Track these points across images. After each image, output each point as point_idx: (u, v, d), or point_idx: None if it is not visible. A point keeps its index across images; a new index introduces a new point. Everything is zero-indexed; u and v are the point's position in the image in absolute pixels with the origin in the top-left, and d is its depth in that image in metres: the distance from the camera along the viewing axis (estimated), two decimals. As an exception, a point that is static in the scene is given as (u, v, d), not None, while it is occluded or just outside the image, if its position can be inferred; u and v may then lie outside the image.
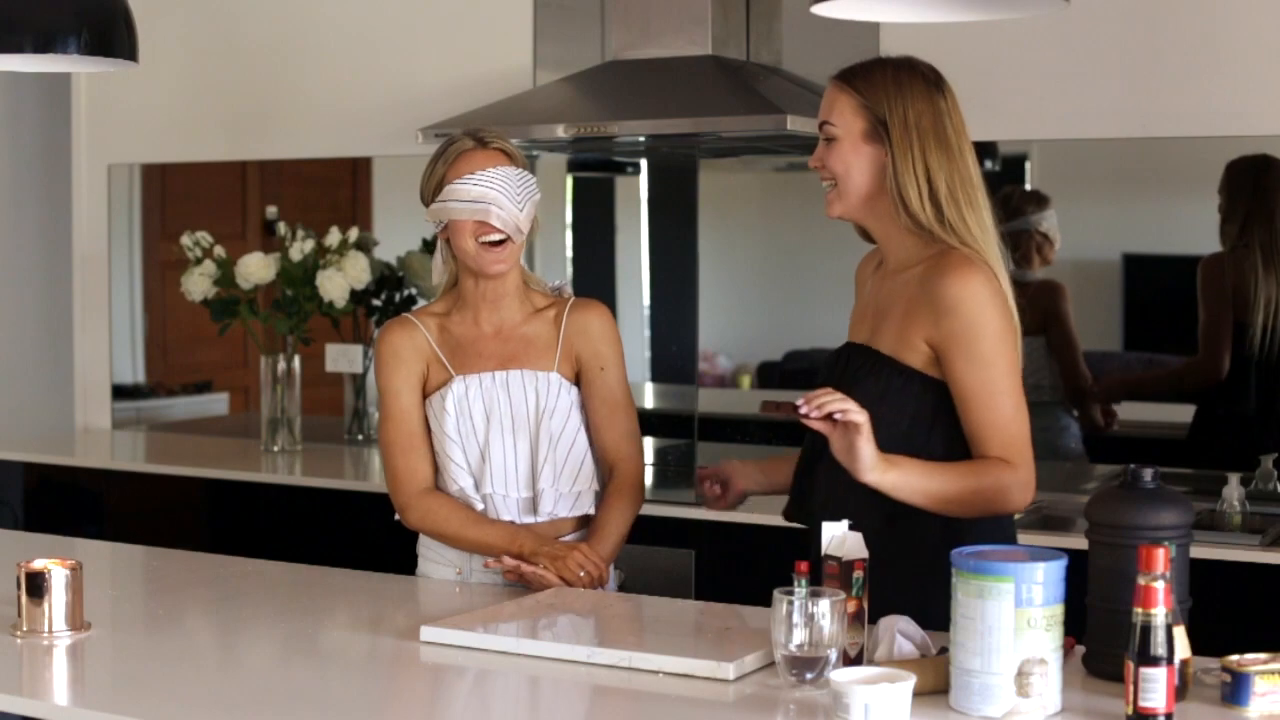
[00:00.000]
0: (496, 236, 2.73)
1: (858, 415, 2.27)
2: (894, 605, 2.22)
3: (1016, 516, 2.50)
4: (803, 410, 2.28)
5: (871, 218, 2.48)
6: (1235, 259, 3.76)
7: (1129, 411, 4.00)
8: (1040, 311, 4.05)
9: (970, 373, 2.36)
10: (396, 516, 2.87)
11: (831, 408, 2.27)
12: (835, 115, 2.45)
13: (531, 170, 2.84)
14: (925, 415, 2.40)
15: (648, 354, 4.57)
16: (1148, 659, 1.87)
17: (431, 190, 2.78)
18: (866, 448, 2.29)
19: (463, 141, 2.77)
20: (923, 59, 2.48)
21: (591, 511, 2.83)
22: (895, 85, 2.42)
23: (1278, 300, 3.74)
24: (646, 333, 4.57)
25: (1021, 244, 4.04)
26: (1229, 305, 3.79)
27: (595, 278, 4.71)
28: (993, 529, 2.41)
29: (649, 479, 4.33)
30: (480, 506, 2.78)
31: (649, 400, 4.65)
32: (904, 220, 2.42)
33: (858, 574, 2.17)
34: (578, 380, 2.83)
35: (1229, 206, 3.77)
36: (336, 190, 5.07)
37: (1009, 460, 2.35)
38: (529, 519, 2.78)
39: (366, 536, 3.94)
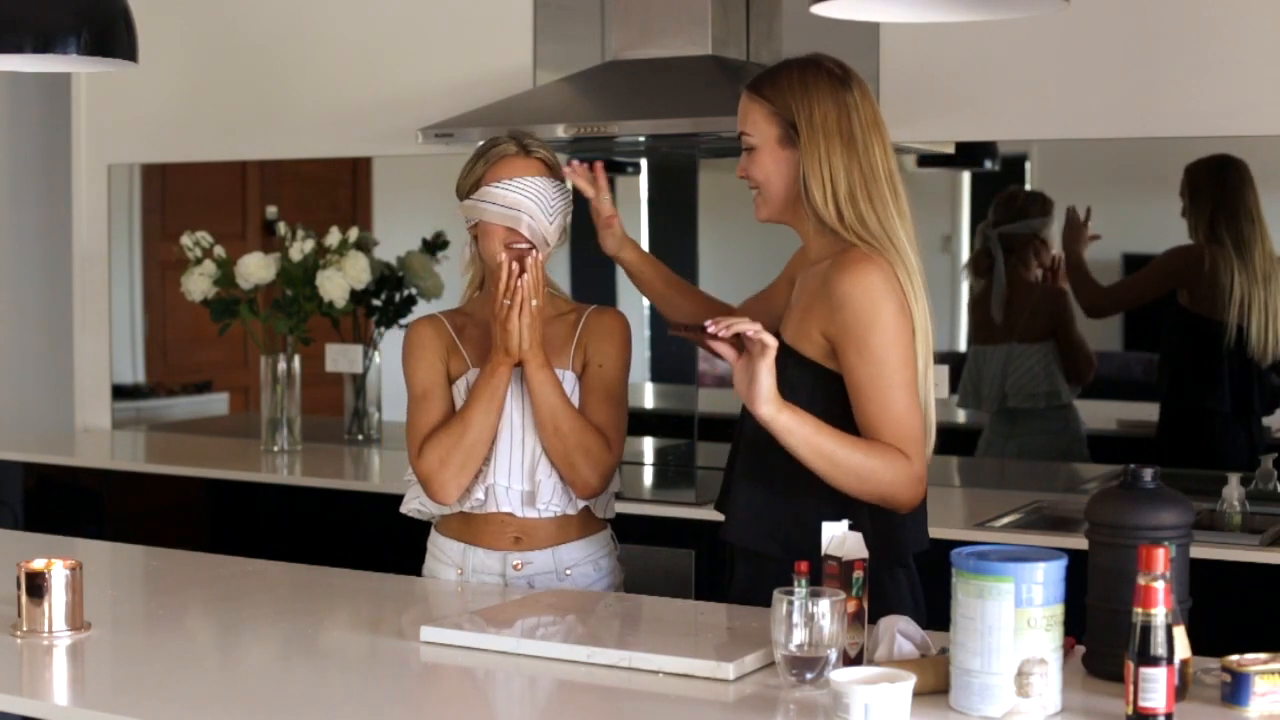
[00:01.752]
0: (523, 245, 2.74)
1: (768, 337, 2.31)
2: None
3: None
4: (710, 329, 2.32)
5: (794, 219, 2.53)
6: (1209, 254, 3.77)
7: (1129, 412, 4.01)
8: (1047, 317, 4.05)
9: (861, 366, 2.39)
10: (404, 506, 2.87)
11: (740, 328, 2.31)
12: (750, 125, 2.53)
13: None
14: (819, 406, 2.43)
15: (648, 354, 4.57)
16: (1148, 659, 1.87)
17: (468, 187, 2.81)
18: (767, 378, 2.32)
19: (507, 145, 2.79)
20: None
21: (594, 509, 2.83)
22: (801, 87, 2.47)
23: (1249, 297, 3.75)
24: (646, 333, 4.57)
25: (1018, 246, 4.04)
26: (1163, 287, 3.85)
27: (595, 278, 4.70)
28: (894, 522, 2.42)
29: (648, 479, 4.33)
30: (481, 498, 2.78)
31: (649, 400, 4.65)
32: (813, 220, 2.46)
33: (858, 574, 2.17)
34: None
35: (1193, 206, 3.79)
36: (336, 190, 5.07)
37: (903, 450, 2.38)
38: (531, 513, 2.78)
39: (366, 536, 3.94)
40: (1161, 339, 3.94)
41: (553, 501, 2.78)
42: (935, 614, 2.28)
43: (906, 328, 2.40)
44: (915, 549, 2.52)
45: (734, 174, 2.65)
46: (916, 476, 2.40)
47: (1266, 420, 3.85)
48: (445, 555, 2.85)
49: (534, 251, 2.73)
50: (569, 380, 2.79)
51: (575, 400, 2.79)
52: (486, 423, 2.74)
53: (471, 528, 2.83)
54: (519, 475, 2.78)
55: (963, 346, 4.18)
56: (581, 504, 2.81)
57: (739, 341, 2.35)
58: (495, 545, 2.81)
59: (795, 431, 2.36)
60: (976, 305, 4.14)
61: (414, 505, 2.88)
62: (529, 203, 2.74)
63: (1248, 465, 3.73)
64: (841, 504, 2.40)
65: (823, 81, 2.46)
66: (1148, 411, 3.96)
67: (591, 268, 4.76)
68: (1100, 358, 4.04)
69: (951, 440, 4.14)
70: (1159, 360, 3.96)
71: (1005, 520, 3.54)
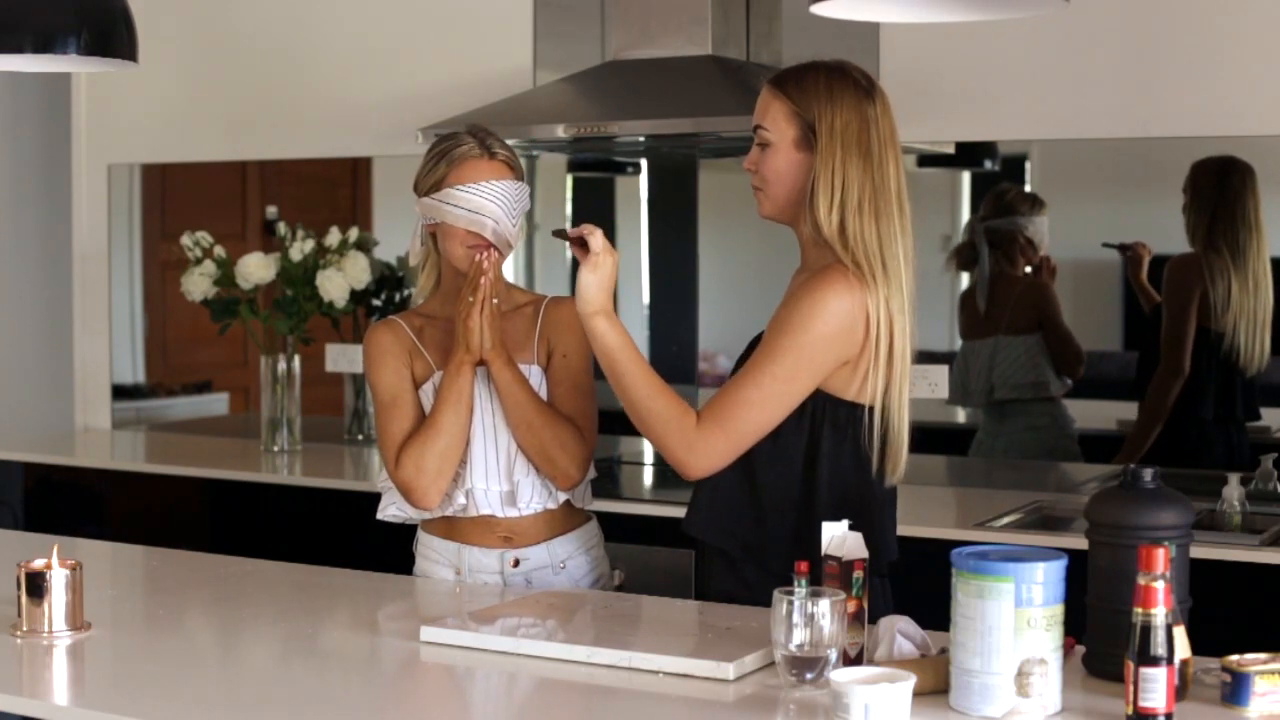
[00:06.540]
0: (484, 246, 2.74)
1: (590, 238, 2.44)
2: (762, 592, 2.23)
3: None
4: (570, 233, 2.48)
5: (794, 221, 2.52)
6: (1206, 261, 3.78)
7: (1127, 412, 4.01)
8: (1032, 309, 4.07)
9: (757, 353, 2.43)
10: (381, 512, 2.87)
11: (582, 230, 2.46)
12: (769, 121, 2.50)
13: (531, 170, 2.85)
14: (793, 413, 2.44)
15: (648, 354, 4.56)
16: (1148, 659, 1.87)
17: (429, 186, 2.79)
18: (586, 277, 2.44)
19: (470, 146, 2.78)
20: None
21: (573, 500, 2.84)
22: (827, 93, 2.45)
23: (1239, 302, 3.75)
24: (646, 333, 4.57)
25: (1004, 242, 4.06)
26: (1193, 308, 3.82)
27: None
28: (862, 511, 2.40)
29: (648, 479, 4.34)
30: (462, 502, 2.78)
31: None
32: (810, 227, 2.45)
33: (858, 574, 2.17)
34: None
35: (1193, 207, 3.79)
36: (336, 190, 5.07)
37: (700, 416, 2.42)
38: (511, 512, 2.78)
39: (366, 536, 3.93)
40: (1148, 343, 3.94)
41: (533, 500, 2.78)
42: (921, 616, 2.27)
43: (820, 353, 2.39)
44: (889, 558, 2.52)
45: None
46: (692, 445, 2.41)
47: (1265, 421, 3.86)
48: (439, 555, 2.85)
49: (493, 251, 2.73)
50: (535, 374, 2.79)
51: (543, 394, 2.79)
52: (457, 423, 2.74)
53: (460, 529, 2.83)
54: (496, 476, 2.78)
55: (959, 345, 4.19)
56: (562, 497, 2.81)
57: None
58: (488, 544, 2.81)
59: (600, 339, 2.45)
60: (964, 301, 4.16)
61: (391, 511, 2.87)
62: (494, 207, 2.74)
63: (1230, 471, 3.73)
64: (808, 512, 2.41)
65: (848, 90, 2.45)
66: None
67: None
68: (1100, 358, 4.05)
69: (949, 440, 4.15)
70: (1139, 361, 3.97)
71: (1005, 520, 3.55)
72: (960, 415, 4.22)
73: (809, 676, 2.06)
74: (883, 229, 2.42)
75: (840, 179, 2.42)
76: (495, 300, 2.71)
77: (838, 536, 2.21)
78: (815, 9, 2.63)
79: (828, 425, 2.44)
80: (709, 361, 4.46)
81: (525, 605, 2.57)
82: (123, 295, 5.30)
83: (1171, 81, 3.75)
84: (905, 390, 2.45)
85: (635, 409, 2.45)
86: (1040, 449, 4.10)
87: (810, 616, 2.06)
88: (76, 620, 2.40)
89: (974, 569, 1.96)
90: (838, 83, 2.46)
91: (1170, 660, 1.87)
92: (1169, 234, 3.86)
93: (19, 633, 2.39)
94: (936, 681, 2.04)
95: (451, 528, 2.83)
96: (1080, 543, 2.20)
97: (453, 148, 2.79)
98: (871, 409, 2.44)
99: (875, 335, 2.40)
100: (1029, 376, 4.08)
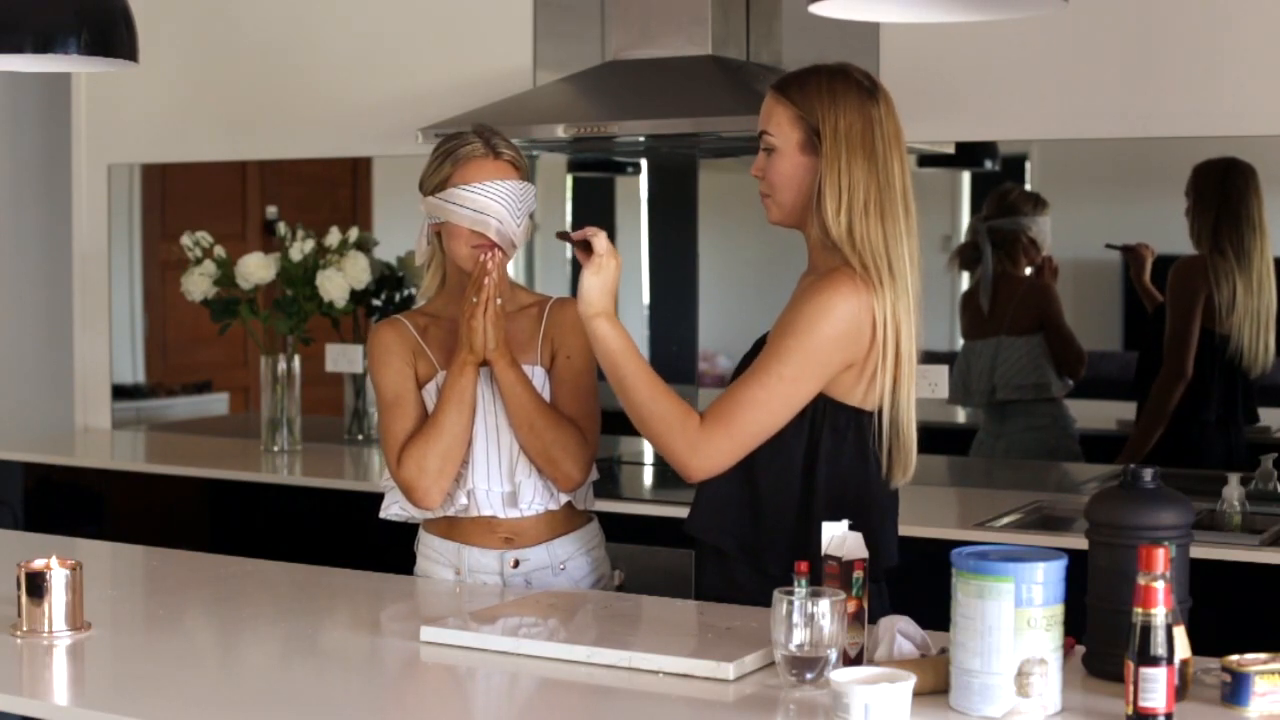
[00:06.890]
0: (489, 246, 2.74)
1: (595, 240, 2.44)
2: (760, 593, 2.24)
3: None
4: (574, 235, 2.47)
5: (803, 224, 2.52)
6: (1211, 264, 3.78)
7: (1127, 412, 4.01)
8: (1034, 309, 4.08)
9: (764, 354, 2.43)
10: (384, 511, 2.87)
11: (586, 232, 2.45)
12: (773, 126, 2.50)
13: (532, 170, 2.85)
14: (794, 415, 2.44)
15: (648, 354, 4.57)
16: (1148, 659, 1.87)
17: (434, 185, 2.80)
18: (589, 279, 2.44)
19: (475, 145, 2.78)
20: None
21: (575, 501, 2.84)
22: (830, 95, 2.45)
23: (1244, 304, 3.75)
24: (646, 333, 4.57)
25: (1006, 242, 4.07)
26: (1197, 311, 3.82)
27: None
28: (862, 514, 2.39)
29: (648, 479, 4.34)
30: (464, 502, 2.78)
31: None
32: (819, 230, 2.45)
33: (858, 574, 2.17)
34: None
35: (1197, 209, 3.79)
36: (336, 190, 5.07)
37: (704, 417, 2.42)
38: (513, 513, 2.78)
39: (366, 536, 3.94)
40: (1148, 343, 3.94)
41: (535, 501, 2.78)
42: (921, 616, 2.27)
43: (826, 354, 2.39)
44: (887, 564, 2.51)
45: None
46: (695, 446, 2.41)
47: (1265, 422, 3.86)
48: (440, 555, 2.85)
49: (497, 251, 2.73)
50: (538, 375, 2.79)
51: (546, 395, 2.79)
52: (460, 423, 2.74)
53: (461, 529, 2.83)
54: (498, 477, 2.78)
55: (960, 345, 4.19)
56: (564, 498, 2.81)
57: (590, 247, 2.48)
58: (488, 545, 2.81)
59: (602, 341, 2.45)
60: (967, 301, 4.16)
61: (394, 510, 2.87)
62: (498, 207, 2.74)
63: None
64: (807, 514, 2.41)
65: (851, 92, 2.45)
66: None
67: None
68: (1100, 358, 4.05)
69: (949, 440, 4.15)
70: (1139, 362, 3.97)
71: (1005, 520, 3.55)
72: (961, 415, 4.22)
73: (809, 676, 2.06)
74: (889, 230, 2.42)
75: (846, 181, 2.41)
76: (499, 301, 2.71)
77: (838, 536, 2.22)
78: (814, 9, 2.63)
79: (828, 428, 2.44)
80: (709, 361, 4.46)
81: (526, 605, 2.57)
82: (123, 295, 5.30)
83: (1171, 81, 3.75)
84: (912, 392, 2.45)
85: (637, 411, 2.45)
86: (1041, 449, 4.11)
87: (810, 616, 2.06)
88: (76, 620, 2.40)
89: (974, 569, 1.96)
90: (840, 85, 2.46)
91: (1170, 660, 1.87)
92: (1169, 234, 3.86)
93: (19, 633, 2.39)
94: (936, 681, 2.04)
95: (452, 528, 2.83)
96: (1080, 543, 2.20)
97: (458, 147, 2.79)
98: (878, 412, 2.44)
99: (882, 338, 2.40)
100: (1031, 377, 4.08)
